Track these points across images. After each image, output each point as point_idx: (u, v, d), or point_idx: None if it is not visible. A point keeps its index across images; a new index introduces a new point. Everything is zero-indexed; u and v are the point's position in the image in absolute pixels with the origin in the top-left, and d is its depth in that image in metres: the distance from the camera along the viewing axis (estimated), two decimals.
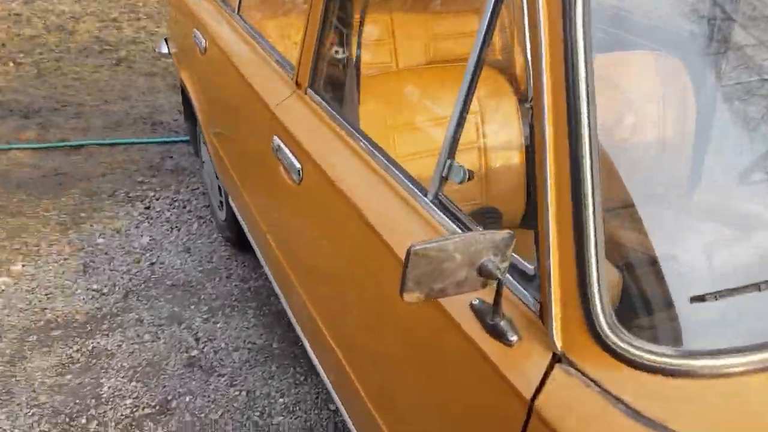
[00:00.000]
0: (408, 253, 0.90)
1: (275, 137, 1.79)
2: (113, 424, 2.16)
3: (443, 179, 1.27)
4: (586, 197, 0.96)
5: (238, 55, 2.30)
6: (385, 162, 1.45)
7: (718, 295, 0.94)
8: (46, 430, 2.12)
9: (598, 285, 0.94)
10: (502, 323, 1.03)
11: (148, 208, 3.32)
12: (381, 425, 1.42)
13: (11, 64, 4.79)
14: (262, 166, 1.94)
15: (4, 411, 2.17)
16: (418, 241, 0.91)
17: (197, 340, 2.54)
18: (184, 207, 3.35)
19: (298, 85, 1.82)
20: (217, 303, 2.74)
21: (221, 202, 2.95)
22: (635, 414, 0.88)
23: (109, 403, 2.24)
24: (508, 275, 1.11)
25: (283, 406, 2.25)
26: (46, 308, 2.64)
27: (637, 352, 0.92)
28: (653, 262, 1.11)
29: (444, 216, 1.25)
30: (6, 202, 3.31)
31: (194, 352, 2.49)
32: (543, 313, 1.00)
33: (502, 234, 0.97)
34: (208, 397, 2.28)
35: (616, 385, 0.91)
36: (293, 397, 2.29)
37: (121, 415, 2.20)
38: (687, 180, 1.71)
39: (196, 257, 3.00)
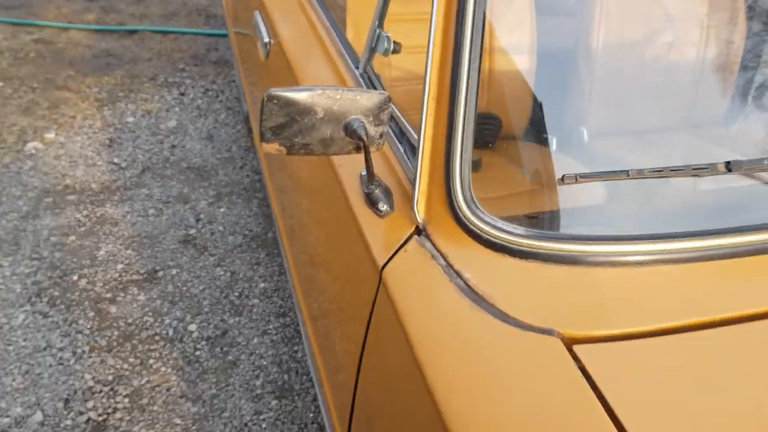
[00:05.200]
0: (263, 98, 0.87)
1: (255, 13, 1.76)
2: (101, 284, 2.28)
3: (372, 50, 1.21)
4: (461, 69, 0.90)
5: None
6: (334, 34, 1.40)
7: (580, 177, 0.86)
8: (41, 281, 2.26)
9: (461, 159, 0.88)
10: (376, 192, 0.99)
11: (182, 94, 3.39)
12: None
13: None
14: (250, 46, 1.92)
15: (8, 259, 2.33)
16: (276, 87, 0.87)
17: (198, 220, 2.62)
18: (217, 96, 3.39)
19: None
20: (225, 189, 2.79)
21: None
22: (470, 291, 0.83)
23: (102, 265, 2.36)
24: (399, 144, 1.06)
25: (261, 291, 2.31)
26: (66, 174, 2.77)
27: (488, 229, 0.86)
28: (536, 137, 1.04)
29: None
30: (55, 75, 3.46)
31: (192, 231, 2.56)
32: (414, 186, 0.96)
33: (374, 95, 0.91)
34: (194, 273, 2.36)
35: (461, 261, 0.86)
36: (274, 284, 2.34)
37: (111, 277, 2.31)
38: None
39: (217, 145, 3.05)
